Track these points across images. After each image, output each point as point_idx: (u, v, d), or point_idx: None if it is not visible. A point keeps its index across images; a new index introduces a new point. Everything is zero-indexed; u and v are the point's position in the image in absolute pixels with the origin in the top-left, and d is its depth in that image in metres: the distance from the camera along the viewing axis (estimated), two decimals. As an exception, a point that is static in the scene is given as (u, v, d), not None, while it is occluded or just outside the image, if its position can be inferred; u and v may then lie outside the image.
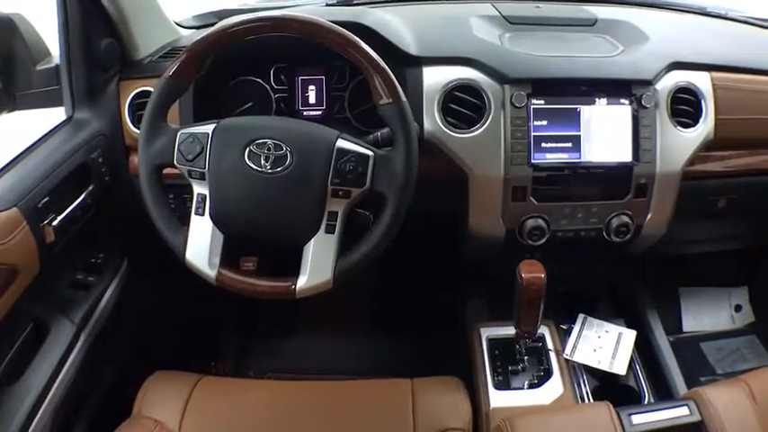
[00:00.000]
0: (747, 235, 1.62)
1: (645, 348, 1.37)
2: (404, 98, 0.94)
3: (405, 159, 0.93)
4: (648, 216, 1.22)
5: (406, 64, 1.15)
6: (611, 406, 0.96)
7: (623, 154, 1.17)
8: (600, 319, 1.37)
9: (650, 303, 1.48)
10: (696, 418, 0.97)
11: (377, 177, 0.92)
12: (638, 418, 0.95)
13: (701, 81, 1.24)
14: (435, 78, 1.15)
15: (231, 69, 1.21)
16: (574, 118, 1.16)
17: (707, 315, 1.75)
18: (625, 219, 1.20)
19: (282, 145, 0.91)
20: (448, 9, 1.38)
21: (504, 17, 1.31)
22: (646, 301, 1.49)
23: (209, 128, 0.93)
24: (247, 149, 0.91)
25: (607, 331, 1.34)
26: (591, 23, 1.34)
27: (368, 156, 0.92)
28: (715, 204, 1.35)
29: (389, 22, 1.21)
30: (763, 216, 1.52)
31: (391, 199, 0.92)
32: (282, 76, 1.22)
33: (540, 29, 1.31)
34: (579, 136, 1.16)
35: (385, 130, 1.01)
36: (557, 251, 1.23)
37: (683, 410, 0.98)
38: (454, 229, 1.27)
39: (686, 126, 1.21)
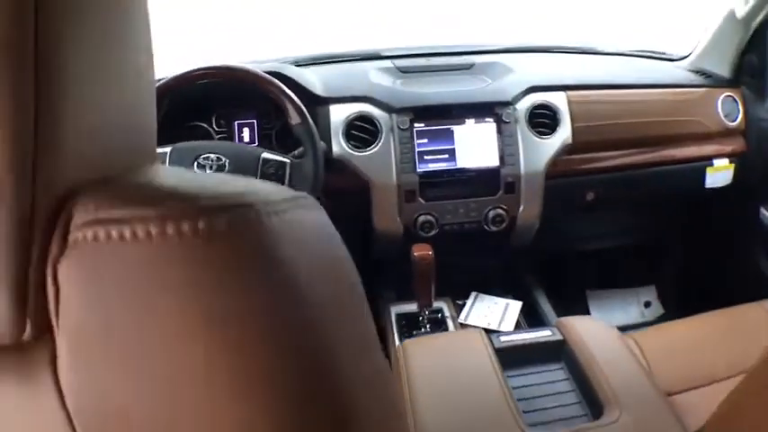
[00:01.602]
0: (634, 229, 1.92)
1: (533, 318, 1.66)
2: (310, 119, 1.32)
3: (313, 165, 1.29)
4: (521, 208, 1.54)
5: (317, 103, 1.50)
6: (482, 331, 1.19)
7: (491, 160, 1.51)
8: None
9: (542, 291, 1.76)
10: (558, 337, 1.16)
11: (293, 179, 1.28)
12: (505, 338, 1.17)
13: (558, 99, 1.58)
14: (339, 113, 1.50)
15: (183, 115, 1.56)
16: (449, 135, 1.51)
17: (617, 312, 1.98)
18: (500, 211, 1.52)
19: (222, 157, 1.27)
20: (354, 65, 1.75)
21: (397, 68, 1.67)
22: (540, 291, 1.76)
23: (167, 149, 1.29)
24: (196, 162, 1.27)
25: (496, 303, 1.63)
26: (468, 67, 1.69)
27: (285, 162, 1.28)
28: (584, 197, 1.66)
29: (304, 73, 1.57)
30: (638, 210, 1.82)
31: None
32: (222, 121, 1.58)
33: (426, 75, 1.66)
34: (454, 149, 1.51)
35: (300, 149, 1.36)
36: (452, 244, 1.54)
37: (547, 332, 1.19)
38: (363, 233, 1.59)
39: (546, 135, 1.54)
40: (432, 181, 1.49)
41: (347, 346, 0.32)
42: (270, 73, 1.36)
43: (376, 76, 1.62)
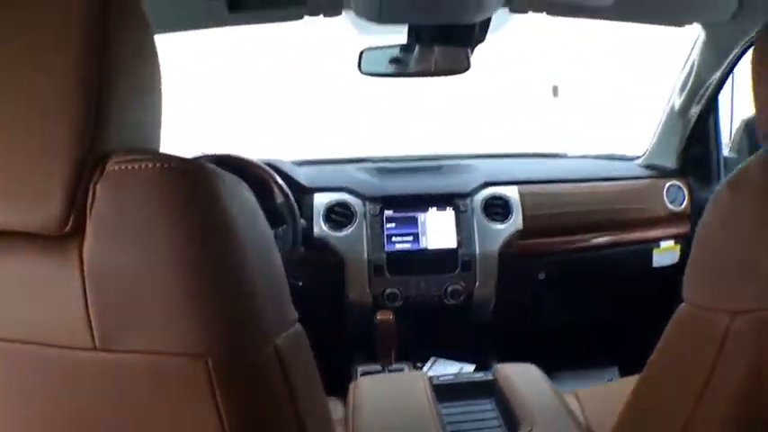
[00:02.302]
0: (590, 306, 2.11)
1: None
2: (292, 199, 1.60)
3: (293, 237, 1.57)
4: (477, 284, 1.77)
5: (303, 192, 1.79)
6: (425, 373, 1.38)
7: (450, 242, 1.76)
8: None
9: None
10: (489, 377, 1.32)
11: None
12: (443, 378, 1.35)
13: (510, 191, 1.84)
14: (321, 200, 1.79)
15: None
16: (413, 221, 1.78)
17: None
18: (458, 287, 1.75)
19: None
20: (340, 165, 2.05)
21: (375, 169, 1.97)
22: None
23: None
24: None
25: (452, 366, 1.82)
26: (438, 168, 1.98)
27: None
28: (536, 277, 1.88)
29: (295, 168, 1.87)
30: (591, 288, 2.02)
31: (282, 258, 1.52)
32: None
33: (400, 173, 1.95)
34: (418, 233, 1.77)
35: (283, 226, 1.62)
36: (415, 314, 1.76)
37: (481, 374, 1.36)
38: (337, 305, 1.82)
39: (499, 221, 1.80)
40: (398, 259, 1.75)
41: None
42: (266, 163, 1.66)
43: (356, 173, 1.91)
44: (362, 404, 1.21)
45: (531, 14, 1.59)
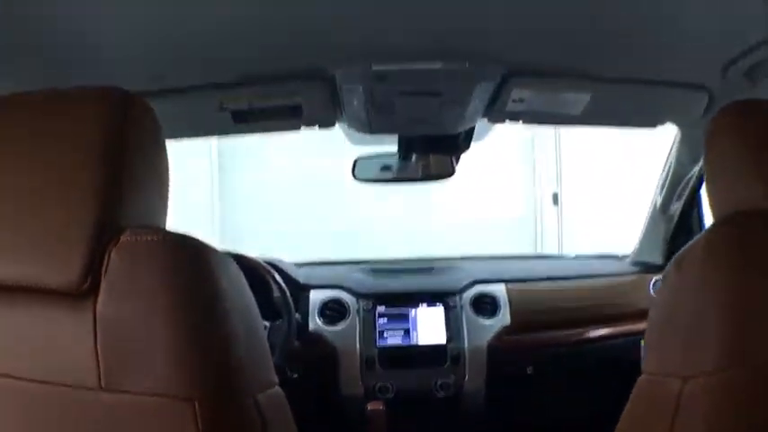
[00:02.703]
0: (582, 400, 2.12)
1: None
2: (288, 293, 1.69)
3: (288, 328, 1.66)
4: (466, 378, 1.82)
5: (300, 289, 1.90)
6: None
7: (440, 338, 1.84)
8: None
9: None
10: None
11: (271, 338, 1.61)
12: None
13: (498, 289, 1.94)
14: (316, 296, 1.90)
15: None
16: (404, 318, 1.87)
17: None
18: (447, 380, 1.81)
19: None
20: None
21: (370, 269, 2.08)
22: None
23: None
24: None
25: None
26: (429, 270, 2.09)
27: (265, 325, 1.63)
28: (525, 371, 1.93)
29: (294, 267, 1.99)
30: (583, 381, 2.06)
31: (278, 348, 1.61)
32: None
33: (393, 273, 2.07)
34: (409, 328, 1.85)
35: (279, 320, 1.71)
36: (406, 407, 1.81)
37: None
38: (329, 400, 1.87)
39: (487, 318, 1.88)
40: (389, 353, 1.82)
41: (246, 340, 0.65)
42: (266, 261, 1.78)
43: (351, 272, 2.03)
44: None
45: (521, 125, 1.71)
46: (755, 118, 0.69)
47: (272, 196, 5.01)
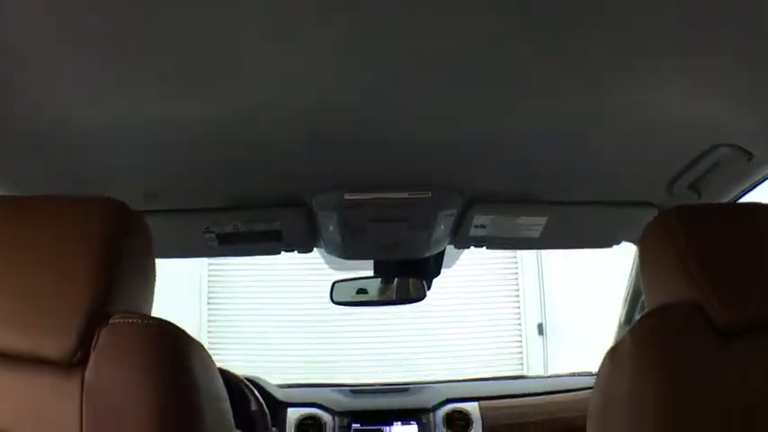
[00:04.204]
0: None
1: None
2: (265, 407, 1.77)
3: None
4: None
5: (278, 406, 1.97)
6: None
7: (415, 451, 1.90)
8: None
9: None
10: None
11: None
12: None
13: (471, 407, 2.02)
14: (294, 414, 1.97)
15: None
16: (380, 435, 1.93)
17: None
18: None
19: None
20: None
21: (349, 390, 2.16)
22: None
23: None
24: None
25: None
26: (406, 389, 2.18)
27: None
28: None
29: (273, 386, 2.08)
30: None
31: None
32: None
33: (370, 394, 2.14)
34: (385, 445, 1.91)
35: None
36: None
37: None
38: None
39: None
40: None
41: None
42: (247, 378, 1.87)
43: (330, 393, 2.11)
44: None
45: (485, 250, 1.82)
46: (684, 220, 0.74)
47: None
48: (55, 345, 0.68)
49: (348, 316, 4.55)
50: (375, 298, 1.95)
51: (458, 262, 2.20)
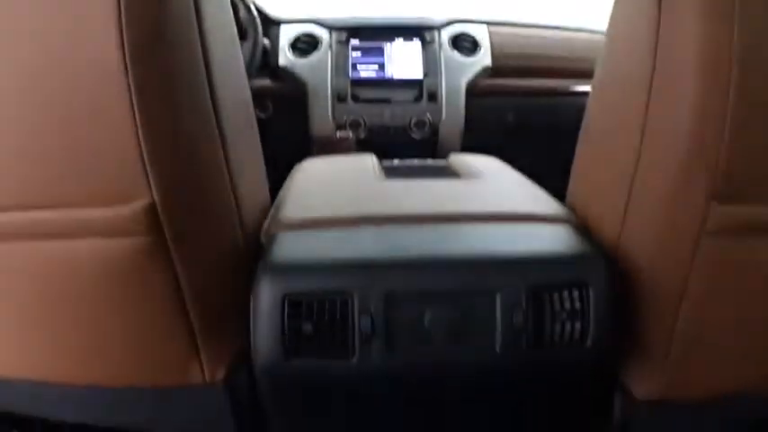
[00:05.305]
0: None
1: None
2: (255, 13, 1.61)
3: (252, 48, 1.60)
4: (443, 117, 1.75)
5: (271, 23, 1.78)
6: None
7: (416, 72, 1.75)
8: None
9: None
10: (444, 163, 1.16)
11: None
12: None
13: (479, 30, 1.82)
14: (288, 31, 1.78)
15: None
16: (379, 51, 1.76)
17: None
18: (423, 118, 1.73)
19: None
20: None
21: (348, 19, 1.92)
22: None
23: None
24: None
25: None
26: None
27: None
28: (506, 118, 1.85)
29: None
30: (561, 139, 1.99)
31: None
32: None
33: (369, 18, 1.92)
34: (383, 62, 1.75)
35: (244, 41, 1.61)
36: (379, 151, 1.74)
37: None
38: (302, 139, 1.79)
39: (467, 55, 1.78)
40: (362, 87, 1.73)
41: None
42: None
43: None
44: (297, 177, 1.11)
45: None
46: None
47: None
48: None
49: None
50: None
51: None
